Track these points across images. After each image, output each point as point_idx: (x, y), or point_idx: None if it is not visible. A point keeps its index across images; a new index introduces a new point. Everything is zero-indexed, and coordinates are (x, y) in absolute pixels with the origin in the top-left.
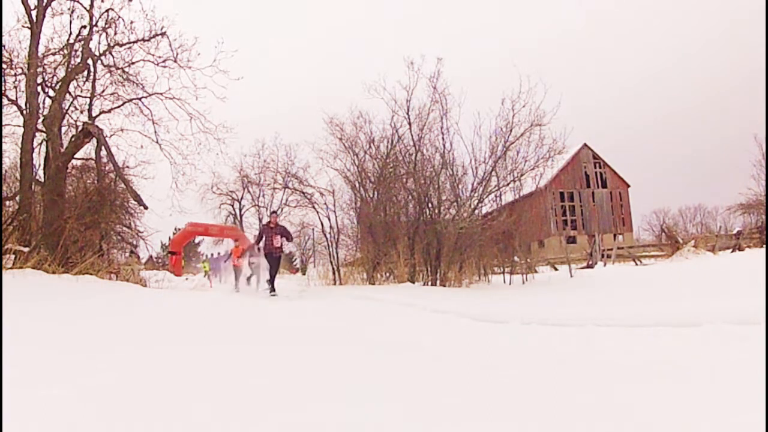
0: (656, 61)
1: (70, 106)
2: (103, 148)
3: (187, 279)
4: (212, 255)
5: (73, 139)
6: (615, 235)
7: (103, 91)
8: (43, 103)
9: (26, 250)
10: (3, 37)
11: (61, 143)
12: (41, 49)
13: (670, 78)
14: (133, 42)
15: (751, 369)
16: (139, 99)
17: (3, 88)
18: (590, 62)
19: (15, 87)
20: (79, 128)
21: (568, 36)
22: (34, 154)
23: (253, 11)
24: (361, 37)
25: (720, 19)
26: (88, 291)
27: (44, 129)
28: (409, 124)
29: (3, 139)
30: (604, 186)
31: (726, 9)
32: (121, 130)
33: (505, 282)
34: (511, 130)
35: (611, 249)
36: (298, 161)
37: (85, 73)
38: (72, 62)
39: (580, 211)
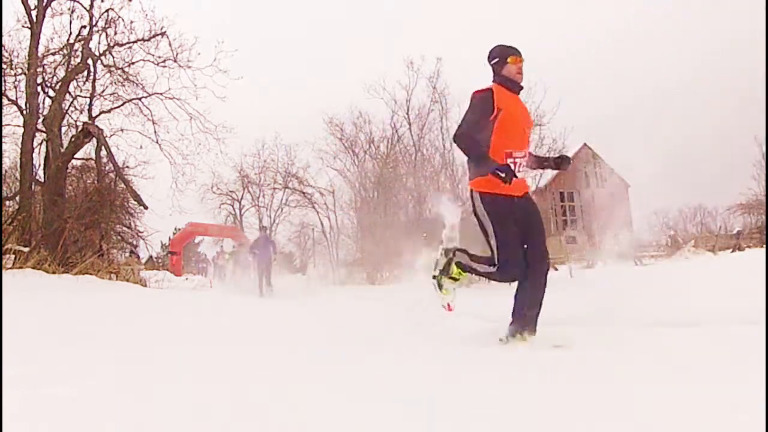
0: (657, 60)
1: (70, 106)
2: (103, 148)
3: (187, 279)
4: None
5: (73, 139)
6: (615, 235)
7: (103, 91)
8: (43, 103)
9: (26, 250)
10: (3, 37)
11: (61, 143)
12: (41, 49)
13: (671, 78)
14: (133, 42)
15: (751, 369)
16: (139, 99)
17: (3, 88)
18: (591, 62)
19: (15, 87)
20: (79, 128)
21: (569, 36)
22: (34, 154)
23: (252, 11)
24: (362, 37)
25: (720, 20)
26: (88, 291)
27: (44, 129)
28: (409, 124)
29: (3, 139)
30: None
31: (726, 10)
32: (121, 130)
33: None
34: None
35: (611, 249)
36: (298, 161)
37: (85, 73)
38: (72, 62)
39: (580, 211)
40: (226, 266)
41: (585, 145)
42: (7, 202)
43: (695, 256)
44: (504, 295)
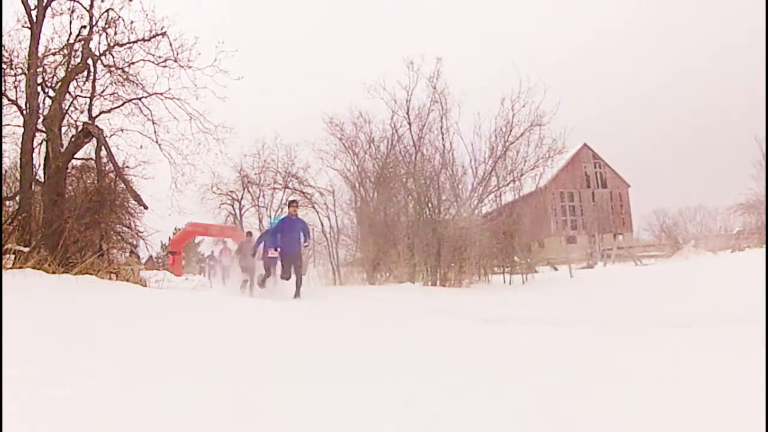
0: (657, 61)
1: (70, 106)
2: (103, 148)
3: (187, 279)
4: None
5: (73, 139)
6: (615, 235)
7: (103, 91)
8: (43, 103)
9: (26, 250)
10: (3, 37)
11: (61, 143)
12: (41, 49)
13: (670, 78)
14: (133, 42)
15: (751, 369)
16: (139, 99)
17: (3, 88)
18: (591, 63)
19: (15, 87)
20: (79, 128)
21: (569, 36)
22: (34, 154)
23: (252, 11)
24: (362, 37)
25: (721, 20)
26: (88, 291)
27: (44, 129)
28: (409, 124)
29: (3, 139)
30: (604, 186)
31: (726, 11)
32: (121, 130)
33: (504, 282)
34: (510, 130)
35: (611, 249)
36: (298, 161)
37: (85, 73)
38: (72, 62)
39: (580, 211)
40: (232, 265)
41: (585, 145)
42: (7, 202)
43: (695, 256)
44: (501, 295)
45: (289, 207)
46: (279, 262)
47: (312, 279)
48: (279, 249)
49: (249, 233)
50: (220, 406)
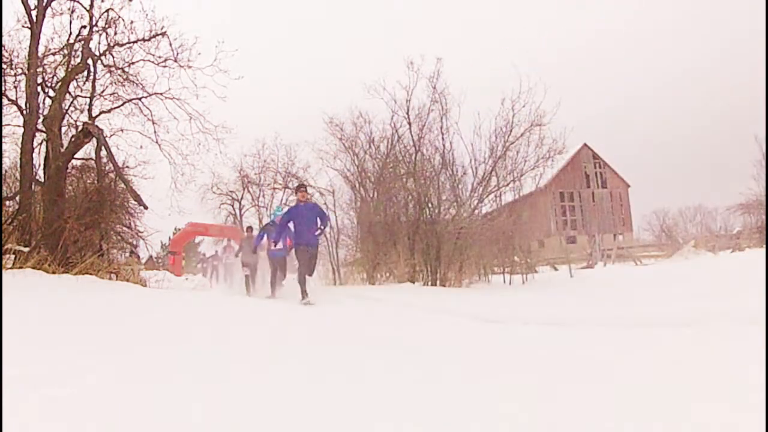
0: (657, 61)
1: (70, 106)
2: (103, 148)
3: (186, 279)
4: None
5: (73, 139)
6: (615, 235)
7: (103, 91)
8: (43, 103)
9: (26, 250)
10: (3, 37)
11: (61, 143)
12: (41, 49)
13: (670, 78)
14: (133, 42)
15: (751, 369)
16: (139, 99)
17: (3, 88)
18: (591, 63)
19: (15, 87)
20: (79, 128)
21: (570, 37)
22: (34, 154)
23: (252, 11)
24: (362, 37)
25: (721, 20)
26: (88, 291)
27: (44, 129)
28: (409, 124)
29: (3, 139)
30: (604, 186)
31: (726, 12)
32: (121, 130)
33: (504, 282)
34: (511, 130)
35: (611, 249)
36: (298, 161)
37: (85, 73)
38: (72, 62)
39: (580, 211)
40: (235, 263)
41: (585, 145)
42: (7, 202)
43: (695, 256)
44: (501, 295)
45: (297, 192)
46: (289, 257)
47: (312, 279)
48: (287, 242)
49: (249, 228)
50: (220, 406)
